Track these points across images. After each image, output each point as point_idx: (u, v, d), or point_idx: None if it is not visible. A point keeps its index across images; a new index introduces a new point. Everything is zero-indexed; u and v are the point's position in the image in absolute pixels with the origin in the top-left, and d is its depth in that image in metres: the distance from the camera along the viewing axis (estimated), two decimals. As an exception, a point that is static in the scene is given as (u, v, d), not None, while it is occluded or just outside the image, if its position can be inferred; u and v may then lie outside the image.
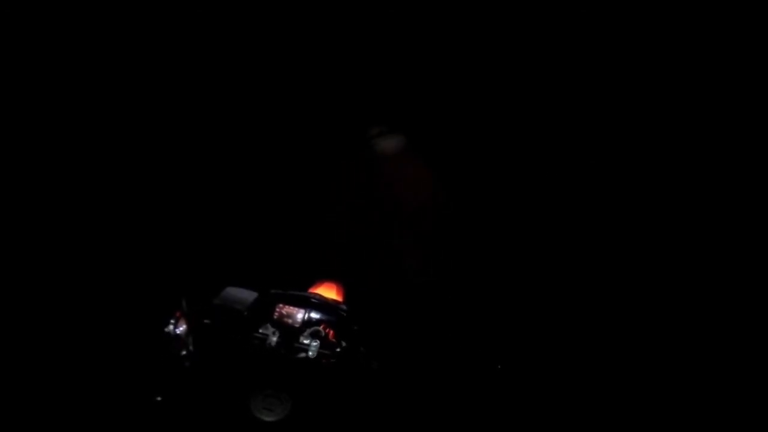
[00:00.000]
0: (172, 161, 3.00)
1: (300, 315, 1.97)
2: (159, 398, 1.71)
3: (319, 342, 1.93)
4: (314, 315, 1.99)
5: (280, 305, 1.99)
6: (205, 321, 1.95)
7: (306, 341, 1.94)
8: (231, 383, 1.88)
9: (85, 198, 2.67)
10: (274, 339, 1.93)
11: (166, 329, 1.75)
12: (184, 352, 1.75)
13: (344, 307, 2.08)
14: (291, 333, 1.95)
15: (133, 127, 2.97)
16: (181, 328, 1.78)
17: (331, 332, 1.99)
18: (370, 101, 3.51)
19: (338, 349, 1.95)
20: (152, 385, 1.74)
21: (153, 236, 2.58)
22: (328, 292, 2.25)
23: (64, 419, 1.63)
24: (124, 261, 2.42)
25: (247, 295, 2.05)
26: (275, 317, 1.98)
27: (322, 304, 2.03)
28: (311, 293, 2.10)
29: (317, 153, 3.37)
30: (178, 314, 1.78)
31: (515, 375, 2.30)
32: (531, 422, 2.15)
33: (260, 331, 1.96)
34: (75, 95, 2.88)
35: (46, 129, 2.80)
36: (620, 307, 2.94)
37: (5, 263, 2.33)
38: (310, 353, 1.91)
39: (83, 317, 2.14)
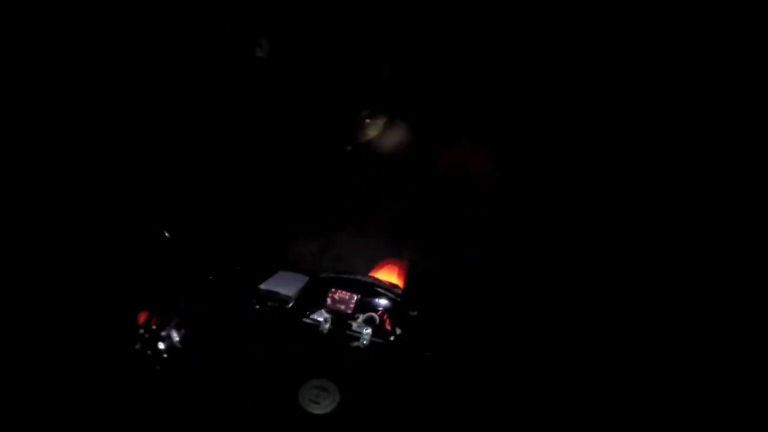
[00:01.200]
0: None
1: (353, 300, 1.88)
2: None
3: (371, 330, 1.82)
4: (368, 300, 1.89)
5: (333, 290, 1.90)
6: (256, 306, 1.88)
7: (359, 329, 1.84)
8: (278, 372, 1.78)
9: (85, 197, 2.69)
10: (327, 326, 1.84)
11: (163, 331, 1.66)
12: (167, 349, 1.67)
13: (400, 291, 1.97)
14: (343, 319, 1.85)
15: (132, 123, 3.01)
16: (175, 329, 1.70)
17: (387, 318, 1.88)
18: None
19: (392, 338, 1.84)
20: (144, 384, 1.64)
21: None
22: (389, 274, 2.14)
23: (63, 419, 1.55)
24: (123, 259, 2.37)
25: (297, 280, 1.97)
26: (328, 303, 1.88)
27: (376, 288, 1.91)
28: (366, 276, 2.00)
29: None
30: (173, 315, 1.70)
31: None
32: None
33: (313, 317, 1.88)
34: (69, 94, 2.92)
35: (43, 128, 2.84)
36: (621, 308, 2.87)
37: (4, 262, 2.32)
38: (363, 342, 1.81)
39: (81, 317, 2.08)
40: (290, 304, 1.89)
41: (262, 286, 1.92)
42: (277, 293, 1.90)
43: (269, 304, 1.88)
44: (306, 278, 1.98)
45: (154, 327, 1.62)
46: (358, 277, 1.96)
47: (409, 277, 2.14)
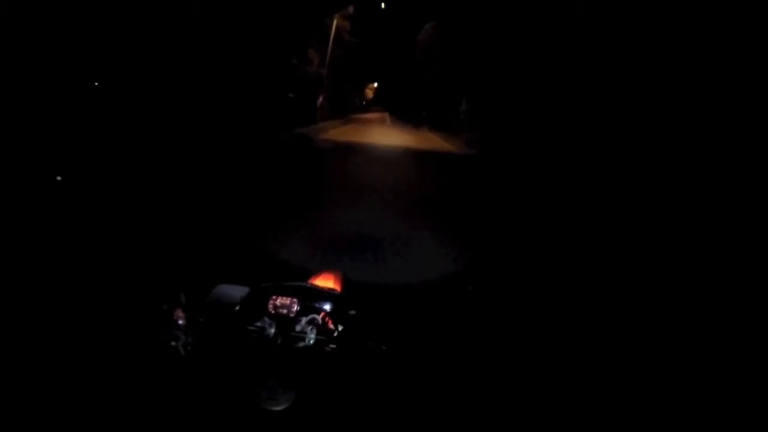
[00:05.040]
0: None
1: (294, 305, 2.00)
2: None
3: (315, 329, 1.96)
4: (308, 303, 2.02)
5: (273, 297, 2.00)
6: (200, 319, 1.92)
7: (303, 330, 1.96)
8: (231, 377, 1.85)
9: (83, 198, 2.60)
10: (272, 330, 1.94)
11: (165, 325, 1.71)
12: (182, 346, 1.72)
13: (338, 292, 2.13)
14: (287, 323, 1.97)
15: (128, 127, 2.95)
16: (180, 323, 1.76)
17: (328, 319, 2.03)
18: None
19: (335, 334, 1.98)
20: (153, 382, 1.67)
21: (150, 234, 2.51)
22: (326, 281, 2.27)
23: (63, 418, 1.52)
24: (122, 258, 2.32)
25: (238, 291, 2.05)
26: (270, 310, 1.99)
27: (315, 292, 2.05)
28: (304, 283, 2.12)
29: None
30: (176, 309, 1.76)
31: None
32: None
33: (257, 324, 1.96)
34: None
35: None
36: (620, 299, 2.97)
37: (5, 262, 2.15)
38: (308, 341, 1.94)
39: (81, 315, 1.98)
40: (233, 314, 1.96)
41: (207, 299, 1.97)
42: (221, 304, 1.97)
43: (215, 313, 1.94)
44: (246, 289, 2.06)
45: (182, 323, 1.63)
46: (297, 283, 2.10)
47: (346, 283, 2.32)
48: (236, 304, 1.99)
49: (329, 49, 16.38)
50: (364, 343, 1.95)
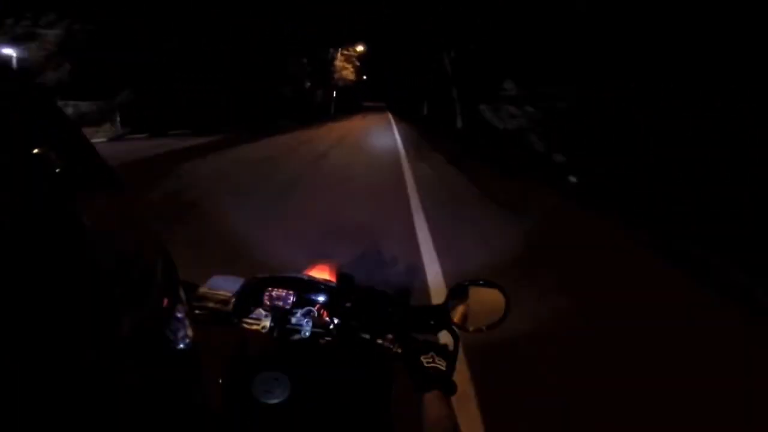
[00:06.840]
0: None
1: (290, 297, 1.99)
2: None
3: (311, 321, 1.96)
4: (304, 295, 2.01)
5: (269, 289, 2.00)
6: (196, 311, 1.92)
7: (298, 322, 1.96)
8: (227, 369, 1.86)
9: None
10: (267, 322, 1.94)
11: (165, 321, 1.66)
12: (182, 338, 1.69)
13: (334, 284, 2.12)
14: (283, 315, 1.97)
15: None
16: (180, 315, 1.72)
17: (324, 311, 2.03)
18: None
19: (331, 327, 1.98)
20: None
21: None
22: (321, 273, 2.27)
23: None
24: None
25: (234, 282, 2.04)
26: (266, 301, 1.98)
27: (311, 284, 2.05)
28: (300, 274, 2.11)
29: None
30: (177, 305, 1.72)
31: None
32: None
33: (252, 316, 1.96)
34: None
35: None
36: None
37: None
38: (304, 333, 1.94)
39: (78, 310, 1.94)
40: (230, 304, 1.96)
41: (202, 290, 1.96)
42: (215, 295, 1.96)
43: (210, 305, 1.94)
44: (242, 280, 2.06)
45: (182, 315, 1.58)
46: (293, 275, 2.09)
47: (340, 275, 2.32)
48: (232, 295, 1.99)
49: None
50: (358, 336, 1.95)
